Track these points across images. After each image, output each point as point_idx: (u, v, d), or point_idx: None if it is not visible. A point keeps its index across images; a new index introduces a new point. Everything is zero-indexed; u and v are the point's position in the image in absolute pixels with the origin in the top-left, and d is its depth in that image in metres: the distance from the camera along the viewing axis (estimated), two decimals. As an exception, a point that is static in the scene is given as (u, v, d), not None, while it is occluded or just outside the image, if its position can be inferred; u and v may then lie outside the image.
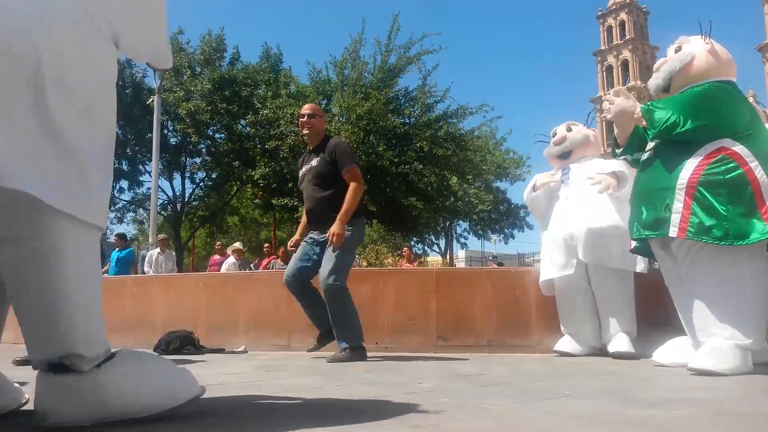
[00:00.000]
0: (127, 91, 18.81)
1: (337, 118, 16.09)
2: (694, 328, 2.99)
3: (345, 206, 3.71)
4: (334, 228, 3.64)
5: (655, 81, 3.32)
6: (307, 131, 3.96)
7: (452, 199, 21.76)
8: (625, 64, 60.23)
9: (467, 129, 17.49)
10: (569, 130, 4.32)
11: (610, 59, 61.33)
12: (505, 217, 32.45)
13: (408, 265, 11.67)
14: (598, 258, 3.80)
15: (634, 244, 3.37)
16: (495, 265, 17.23)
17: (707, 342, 2.81)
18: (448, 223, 29.01)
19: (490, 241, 36.81)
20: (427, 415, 1.70)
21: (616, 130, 3.40)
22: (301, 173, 4.04)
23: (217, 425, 1.59)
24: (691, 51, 3.19)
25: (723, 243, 2.78)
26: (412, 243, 24.49)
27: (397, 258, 12.73)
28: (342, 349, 3.65)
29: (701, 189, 2.85)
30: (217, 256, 11.72)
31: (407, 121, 16.33)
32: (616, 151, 3.45)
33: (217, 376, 2.78)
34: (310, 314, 3.90)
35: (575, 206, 3.98)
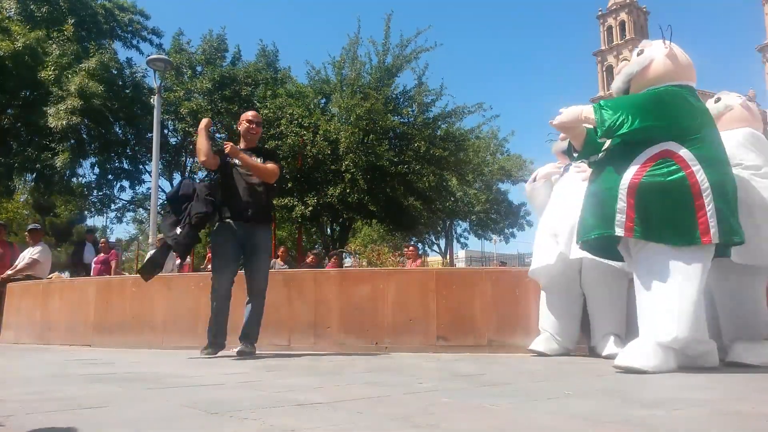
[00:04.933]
0: (127, 91, 18.79)
1: (336, 118, 16.08)
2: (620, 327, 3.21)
3: (257, 164, 4.05)
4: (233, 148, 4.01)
5: (616, 84, 3.39)
6: (251, 137, 4.24)
7: (452, 199, 21.74)
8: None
9: (466, 129, 17.47)
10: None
11: (610, 59, 61.34)
12: (505, 217, 32.48)
13: (415, 263, 11.65)
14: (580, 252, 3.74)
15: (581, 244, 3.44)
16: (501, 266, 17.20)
17: (635, 341, 2.90)
18: (448, 223, 29.02)
19: (490, 241, 36.83)
20: (427, 415, 1.70)
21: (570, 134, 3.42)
22: (240, 169, 4.14)
23: (217, 425, 1.59)
24: (650, 55, 3.25)
25: (660, 241, 2.87)
26: (413, 243, 24.49)
27: (399, 258, 12.72)
28: (254, 347, 3.96)
29: (642, 190, 2.90)
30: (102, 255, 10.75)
31: (406, 120, 16.32)
32: (573, 155, 3.48)
33: (217, 376, 2.78)
34: (223, 322, 4.00)
35: (566, 199, 3.96)
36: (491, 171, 25.78)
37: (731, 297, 3.29)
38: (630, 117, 2.95)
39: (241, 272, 4.10)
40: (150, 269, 4.28)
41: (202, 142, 4.03)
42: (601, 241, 3.23)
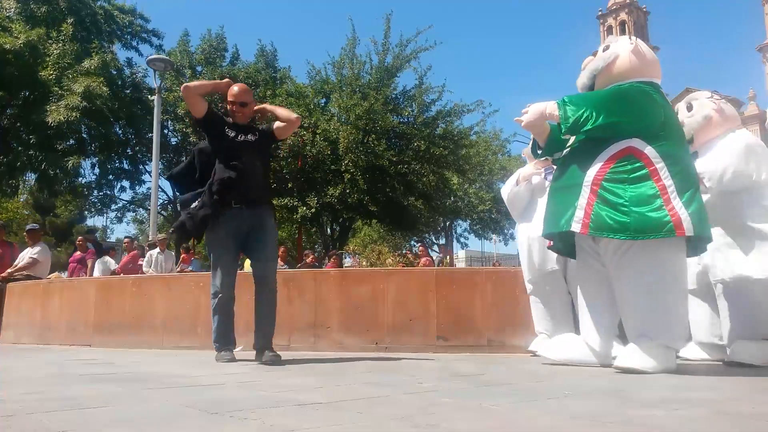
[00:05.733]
0: (128, 91, 18.80)
1: (336, 118, 16.09)
2: (603, 326, 3.08)
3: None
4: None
5: (580, 79, 3.36)
6: (239, 117, 3.66)
7: (452, 198, 21.74)
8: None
9: (465, 126, 17.46)
10: None
11: (611, 59, 61.23)
12: (506, 217, 32.46)
13: (426, 260, 12.17)
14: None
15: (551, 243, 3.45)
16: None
17: (632, 342, 2.89)
18: (448, 223, 29.02)
19: (490, 241, 36.81)
20: (427, 415, 1.70)
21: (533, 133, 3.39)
22: (240, 139, 3.63)
23: (217, 425, 1.59)
24: (615, 51, 3.20)
25: (621, 237, 2.82)
26: (413, 243, 24.49)
27: (398, 259, 12.89)
28: (274, 352, 3.48)
29: (605, 185, 2.87)
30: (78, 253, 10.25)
31: (406, 120, 16.32)
32: (537, 152, 3.46)
33: (217, 376, 2.78)
34: (232, 324, 3.65)
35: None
36: (492, 171, 25.76)
37: (730, 297, 3.30)
38: (594, 113, 2.92)
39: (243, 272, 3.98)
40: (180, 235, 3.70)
41: (203, 83, 3.79)
42: (566, 237, 3.23)
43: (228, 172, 3.46)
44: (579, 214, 2.90)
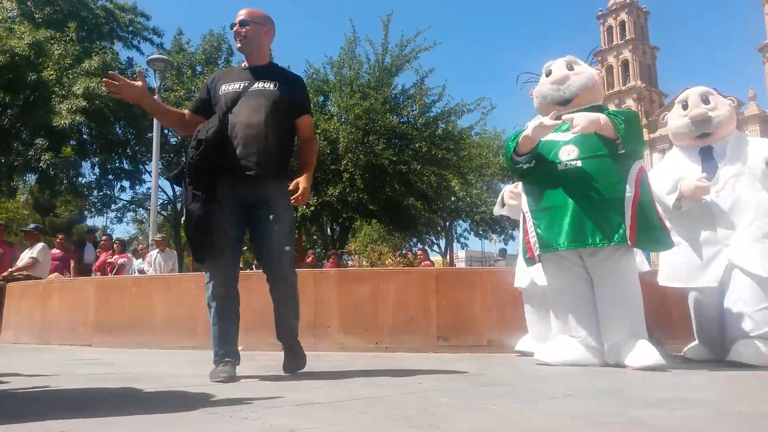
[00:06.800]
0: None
1: (335, 117, 16.09)
2: (597, 327, 3.19)
3: (310, 161, 2.84)
4: (305, 181, 2.69)
5: (561, 93, 3.42)
6: (239, 45, 2.86)
7: (453, 198, 21.74)
8: (625, 64, 60.21)
9: (465, 126, 17.46)
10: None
11: (610, 59, 61.28)
12: (506, 218, 32.37)
13: (426, 263, 12.35)
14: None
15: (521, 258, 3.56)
16: (500, 257, 17.31)
17: (637, 342, 3.03)
18: (448, 224, 29.00)
19: (490, 241, 36.80)
20: (427, 415, 1.70)
21: (523, 137, 3.27)
22: (231, 88, 2.80)
23: (217, 425, 1.59)
24: (593, 73, 3.50)
25: (654, 249, 3.35)
26: (413, 243, 24.50)
27: (398, 259, 13.03)
28: (300, 356, 2.88)
29: (641, 203, 3.12)
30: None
31: (406, 120, 16.33)
32: (516, 158, 3.34)
33: (217, 376, 2.77)
34: (234, 330, 2.81)
35: None
36: (493, 173, 25.72)
37: (735, 295, 3.30)
38: (640, 134, 3.31)
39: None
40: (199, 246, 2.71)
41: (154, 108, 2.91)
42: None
43: (209, 130, 2.64)
44: (626, 225, 3.07)
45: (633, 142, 3.17)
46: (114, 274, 9.44)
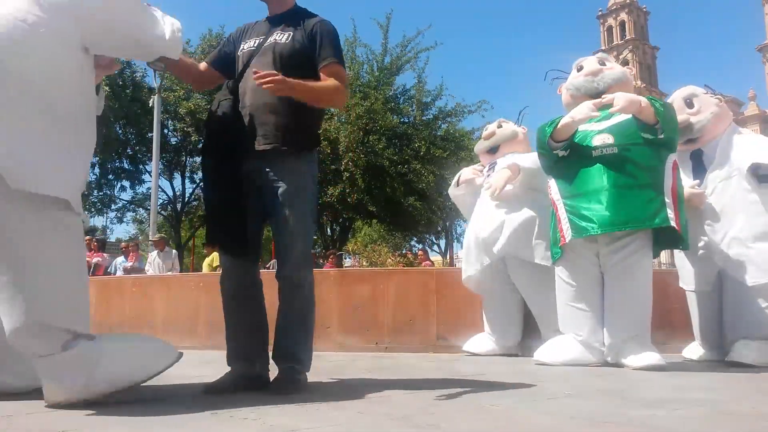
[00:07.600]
0: (128, 91, 18.79)
1: (335, 117, 16.10)
2: (602, 326, 3.15)
3: (313, 85, 2.23)
4: (289, 79, 2.12)
5: (595, 84, 3.45)
6: None
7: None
8: (625, 64, 59.86)
9: (467, 129, 17.47)
10: (499, 126, 4.33)
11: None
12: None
13: (426, 264, 12.41)
14: (515, 250, 3.74)
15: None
16: None
17: (638, 342, 3.03)
18: (448, 224, 29.01)
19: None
20: (427, 415, 1.70)
21: (564, 123, 3.21)
22: (247, 46, 2.39)
23: (217, 425, 1.59)
24: (624, 70, 3.64)
25: (683, 245, 3.21)
26: (413, 243, 24.49)
27: (398, 259, 13.04)
28: (297, 372, 2.26)
29: (679, 194, 3.15)
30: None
31: (406, 120, 16.34)
32: (554, 143, 3.29)
33: (218, 377, 2.78)
34: (247, 328, 2.40)
35: (489, 204, 3.91)
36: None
37: (732, 297, 3.30)
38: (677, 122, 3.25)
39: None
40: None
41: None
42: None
43: (223, 104, 2.29)
44: (670, 213, 3.02)
45: (671, 128, 3.12)
46: (91, 274, 9.36)
